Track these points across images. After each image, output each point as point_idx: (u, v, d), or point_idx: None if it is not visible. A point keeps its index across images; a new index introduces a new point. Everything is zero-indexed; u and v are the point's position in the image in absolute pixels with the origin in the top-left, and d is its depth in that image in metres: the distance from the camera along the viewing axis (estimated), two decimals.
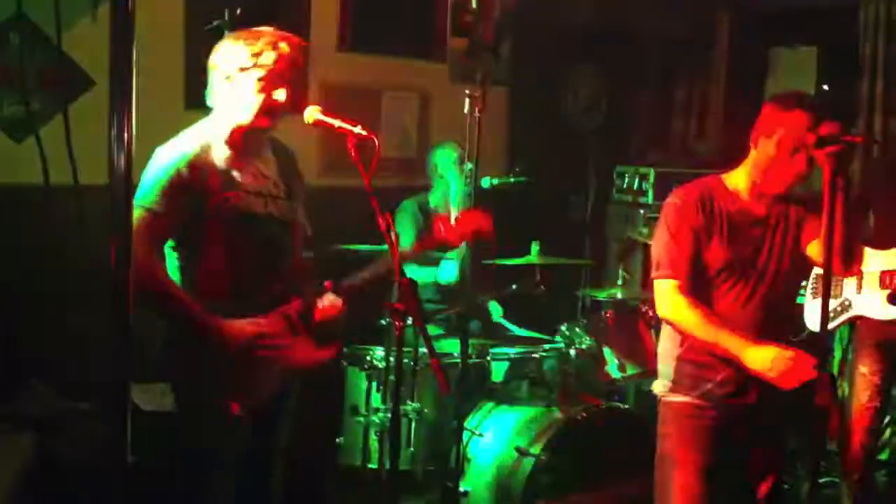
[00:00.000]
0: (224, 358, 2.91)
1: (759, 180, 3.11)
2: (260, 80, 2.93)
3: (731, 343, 3.00)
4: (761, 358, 2.95)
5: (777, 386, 2.93)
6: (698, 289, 3.12)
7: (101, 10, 4.14)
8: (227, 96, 2.97)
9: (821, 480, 4.65)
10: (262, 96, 2.94)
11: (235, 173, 2.98)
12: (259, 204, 3.02)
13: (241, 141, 3.02)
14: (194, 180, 2.89)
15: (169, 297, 2.87)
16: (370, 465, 4.05)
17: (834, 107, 5.94)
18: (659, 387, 3.29)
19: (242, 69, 2.93)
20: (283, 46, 2.95)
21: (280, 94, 2.96)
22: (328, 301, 3.16)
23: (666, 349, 3.28)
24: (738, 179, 3.18)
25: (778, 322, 3.19)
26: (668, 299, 3.11)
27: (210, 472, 3.03)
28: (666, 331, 3.28)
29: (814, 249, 3.12)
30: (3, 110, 4.12)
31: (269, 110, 2.97)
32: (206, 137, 2.99)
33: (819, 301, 4.25)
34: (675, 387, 3.22)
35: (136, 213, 2.80)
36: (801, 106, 3.00)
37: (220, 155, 2.98)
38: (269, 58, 2.93)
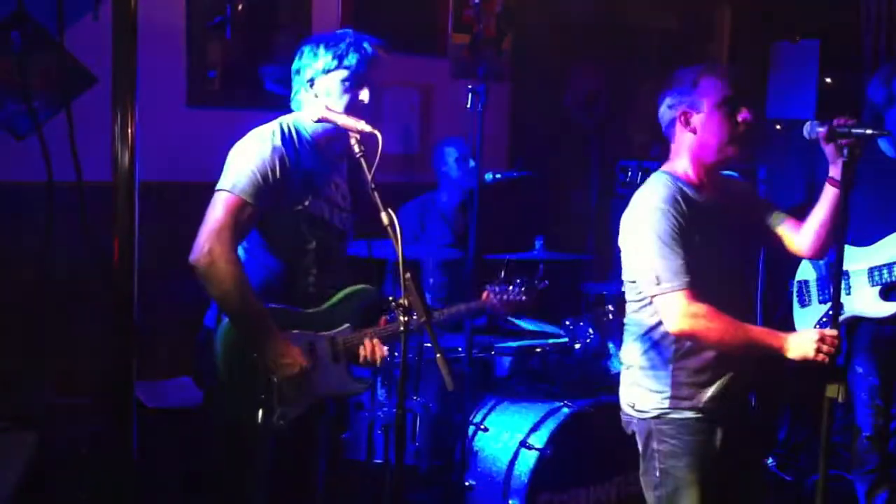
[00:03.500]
0: (265, 373, 2.88)
1: (710, 157, 3.01)
2: (344, 81, 2.95)
3: (768, 338, 2.89)
4: (801, 344, 2.83)
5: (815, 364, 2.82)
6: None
7: (102, 7, 4.14)
8: (311, 99, 2.99)
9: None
10: (346, 97, 2.96)
11: (316, 177, 3.01)
12: (328, 212, 3.05)
13: (326, 144, 3.04)
14: (282, 179, 2.90)
15: (244, 293, 2.83)
16: (375, 460, 4.05)
17: (838, 100, 5.96)
18: (651, 401, 3.03)
19: (326, 71, 2.95)
20: (367, 46, 2.98)
21: (364, 95, 2.98)
22: (377, 344, 3.13)
23: (649, 359, 3.04)
24: (688, 169, 3.03)
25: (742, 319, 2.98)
26: (684, 312, 2.85)
27: (241, 482, 3.01)
28: (650, 340, 3.03)
29: (802, 238, 3.09)
30: (5, 108, 4.11)
31: (353, 110, 2.96)
32: (295, 136, 2.99)
33: (808, 309, 4.28)
34: (676, 402, 3.00)
35: (225, 197, 2.81)
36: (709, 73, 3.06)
37: (305, 156, 2.99)
38: (352, 59, 2.95)
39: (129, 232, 1.69)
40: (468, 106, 3.86)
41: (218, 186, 2.86)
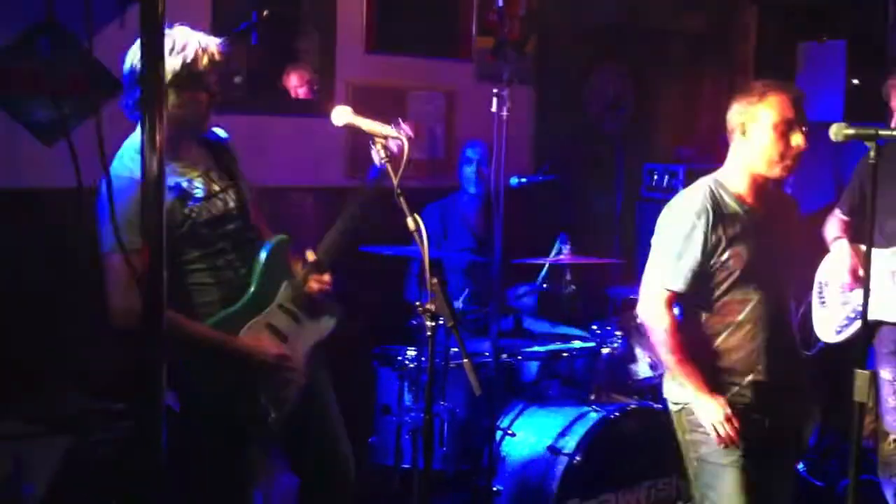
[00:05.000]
0: (243, 372, 2.92)
1: (760, 170, 3.04)
2: (203, 84, 2.90)
3: (691, 382, 3.00)
4: (709, 412, 2.96)
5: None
6: (705, 300, 3.04)
7: (128, 13, 4.16)
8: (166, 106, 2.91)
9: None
10: (204, 102, 2.93)
11: (185, 185, 2.94)
12: (213, 208, 3.00)
13: (179, 141, 2.94)
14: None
15: (177, 330, 2.78)
16: (403, 465, 4.05)
17: (865, 101, 5.90)
18: (681, 393, 3.09)
19: (174, 75, 2.83)
20: (212, 48, 2.92)
21: (219, 96, 2.96)
22: (316, 280, 3.15)
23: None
24: (735, 177, 3.09)
25: (785, 332, 3.12)
26: (655, 307, 3.07)
27: (232, 482, 3.04)
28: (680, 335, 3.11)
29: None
30: (35, 114, 4.14)
31: (210, 114, 2.97)
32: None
33: (826, 309, 4.22)
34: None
35: (116, 260, 2.74)
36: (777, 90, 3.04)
37: (167, 171, 2.91)
38: (203, 61, 2.89)
39: (157, 237, 1.69)
40: (493, 109, 3.85)
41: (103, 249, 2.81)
